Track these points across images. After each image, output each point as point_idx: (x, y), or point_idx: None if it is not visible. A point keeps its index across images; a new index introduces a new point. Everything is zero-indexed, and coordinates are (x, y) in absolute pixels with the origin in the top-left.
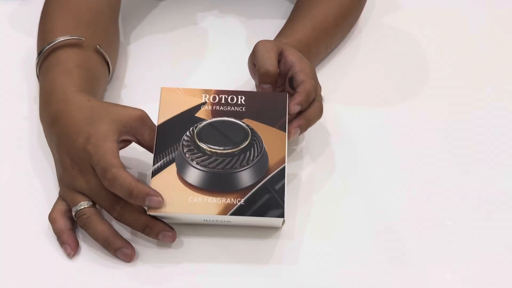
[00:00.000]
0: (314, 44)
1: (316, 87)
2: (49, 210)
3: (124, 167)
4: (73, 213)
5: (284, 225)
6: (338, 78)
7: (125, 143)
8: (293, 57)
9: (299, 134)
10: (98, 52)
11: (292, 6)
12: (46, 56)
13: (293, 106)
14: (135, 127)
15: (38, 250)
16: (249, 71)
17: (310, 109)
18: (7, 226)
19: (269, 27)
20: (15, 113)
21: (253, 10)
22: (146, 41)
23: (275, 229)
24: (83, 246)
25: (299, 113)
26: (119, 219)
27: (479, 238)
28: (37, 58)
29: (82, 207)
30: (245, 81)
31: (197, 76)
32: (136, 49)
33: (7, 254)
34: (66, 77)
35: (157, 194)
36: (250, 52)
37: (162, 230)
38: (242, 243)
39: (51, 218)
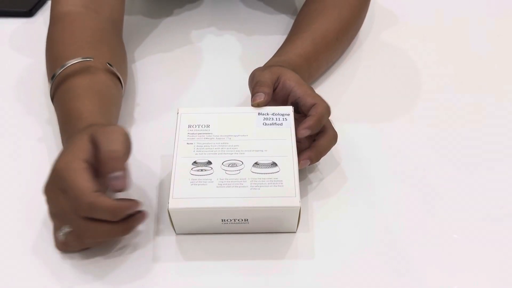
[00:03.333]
0: (314, 58)
1: (329, 109)
2: None
3: (96, 189)
4: (63, 236)
5: (298, 228)
6: (339, 91)
7: None
8: (290, 81)
9: (309, 165)
10: (108, 70)
11: (292, 22)
12: (58, 82)
13: (302, 130)
14: (96, 139)
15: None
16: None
17: (323, 139)
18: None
19: (270, 43)
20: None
21: (253, 27)
22: (149, 59)
23: (288, 235)
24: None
25: (309, 137)
26: (93, 237)
27: (486, 251)
28: (50, 83)
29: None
30: (247, 96)
31: (200, 92)
32: (140, 68)
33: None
34: (77, 104)
35: (136, 203)
36: (252, 69)
37: (130, 208)
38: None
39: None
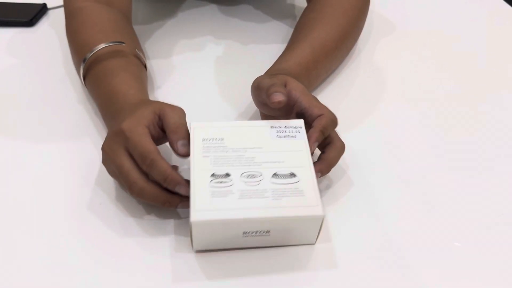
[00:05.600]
0: (313, 67)
1: (334, 121)
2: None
3: (159, 152)
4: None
5: (317, 242)
6: (339, 99)
7: (163, 132)
8: (296, 91)
9: (320, 177)
10: (136, 56)
11: (290, 31)
12: (90, 65)
13: (312, 145)
14: (164, 114)
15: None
16: (258, 105)
17: (332, 151)
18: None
19: (268, 52)
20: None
21: (252, 36)
22: (150, 66)
23: (306, 247)
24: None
25: (320, 150)
26: (140, 194)
27: (488, 259)
28: (82, 65)
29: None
30: (247, 105)
31: (199, 100)
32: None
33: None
34: (118, 82)
35: (186, 184)
36: (250, 77)
37: (180, 201)
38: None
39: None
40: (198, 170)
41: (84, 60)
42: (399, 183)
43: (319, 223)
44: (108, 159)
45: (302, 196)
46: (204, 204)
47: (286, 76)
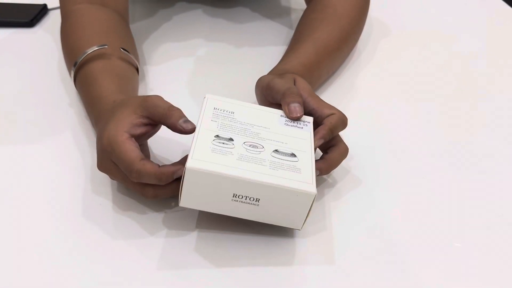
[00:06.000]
0: (316, 67)
1: (344, 121)
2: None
3: (143, 157)
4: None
5: (304, 226)
6: (339, 99)
7: (148, 127)
8: (304, 92)
9: (318, 175)
10: (121, 55)
11: (288, 32)
12: (78, 69)
13: (316, 140)
14: (146, 108)
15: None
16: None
17: (335, 153)
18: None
19: (266, 54)
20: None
21: (250, 38)
22: (148, 68)
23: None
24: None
25: (322, 148)
26: (147, 197)
27: (489, 259)
28: (72, 71)
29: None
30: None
31: (199, 101)
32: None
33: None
34: (99, 87)
35: (180, 167)
36: (251, 78)
37: (173, 173)
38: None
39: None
40: (204, 129)
41: (74, 65)
42: (399, 182)
43: (310, 202)
44: (111, 177)
45: (299, 173)
46: (203, 156)
47: (295, 75)
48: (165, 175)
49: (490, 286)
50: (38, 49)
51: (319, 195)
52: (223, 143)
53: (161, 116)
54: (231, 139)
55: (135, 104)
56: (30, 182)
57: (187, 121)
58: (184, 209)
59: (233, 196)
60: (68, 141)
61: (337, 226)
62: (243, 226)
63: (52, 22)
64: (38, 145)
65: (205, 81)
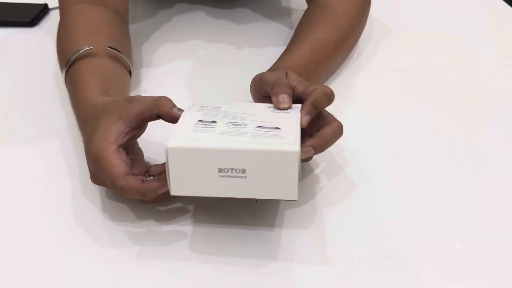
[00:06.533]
0: (313, 67)
1: (328, 95)
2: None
3: (127, 172)
4: None
5: (299, 196)
6: (340, 99)
7: (134, 130)
8: (293, 81)
9: (314, 154)
10: (109, 54)
11: (288, 33)
12: (66, 73)
13: (302, 118)
14: (131, 110)
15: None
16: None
17: (327, 128)
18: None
19: (268, 54)
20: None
21: (250, 39)
22: (146, 67)
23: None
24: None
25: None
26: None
27: (489, 260)
28: (63, 75)
29: None
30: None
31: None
32: (138, 76)
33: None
34: (81, 90)
35: (164, 183)
36: (249, 78)
37: (156, 189)
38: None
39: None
40: (188, 116)
41: (66, 66)
42: (399, 183)
43: (295, 163)
44: (106, 187)
45: (280, 138)
46: (184, 135)
47: (286, 69)
48: (148, 191)
49: (491, 287)
50: (38, 49)
51: (316, 191)
52: (206, 125)
53: (148, 112)
54: (214, 122)
55: (119, 110)
56: (29, 180)
57: (179, 109)
58: (177, 201)
59: (219, 172)
60: (67, 141)
61: (334, 225)
62: (237, 220)
63: (53, 22)
64: (37, 144)
65: (204, 81)
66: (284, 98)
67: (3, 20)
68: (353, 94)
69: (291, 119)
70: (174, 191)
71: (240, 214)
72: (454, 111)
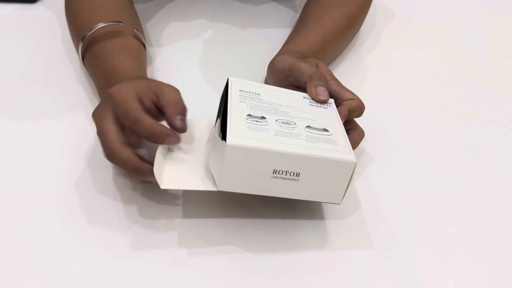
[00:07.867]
0: (322, 52)
1: (361, 108)
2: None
3: (144, 111)
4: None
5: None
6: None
7: (152, 111)
8: (327, 75)
9: None
10: (135, 35)
11: (292, 14)
12: (88, 44)
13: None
14: (156, 92)
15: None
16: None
17: (354, 134)
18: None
19: (270, 36)
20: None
21: (254, 19)
22: (152, 52)
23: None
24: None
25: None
26: (111, 157)
27: (484, 246)
28: (80, 44)
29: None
30: None
31: (204, 87)
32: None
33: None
34: (114, 62)
35: (175, 134)
36: (255, 60)
37: (167, 136)
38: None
39: (114, 149)
40: (235, 110)
41: (83, 39)
42: (397, 172)
43: (350, 172)
44: (96, 125)
45: (335, 144)
46: (240, 133)
47: (317, 60)
48: (160, 131)
49: (486, 271)
50: (39, 26)
51: None
52: (257, 121)
53: (166, 102)
54: (263, 117)
55: (155, 83)
56: (34, 158)
57: (183, 119)
58: (166, 193)
59: (273, 173)
60: (74, 117)
61: (336, 215)
62: (240, 210)
63: None
64: (42, 121)
65: (209, 62)
66: (323, 91)
67: None
68: (354, 84)
69: (334, 119)
70: (221, 186)
71: (251, 204)
72: (456, 103)
